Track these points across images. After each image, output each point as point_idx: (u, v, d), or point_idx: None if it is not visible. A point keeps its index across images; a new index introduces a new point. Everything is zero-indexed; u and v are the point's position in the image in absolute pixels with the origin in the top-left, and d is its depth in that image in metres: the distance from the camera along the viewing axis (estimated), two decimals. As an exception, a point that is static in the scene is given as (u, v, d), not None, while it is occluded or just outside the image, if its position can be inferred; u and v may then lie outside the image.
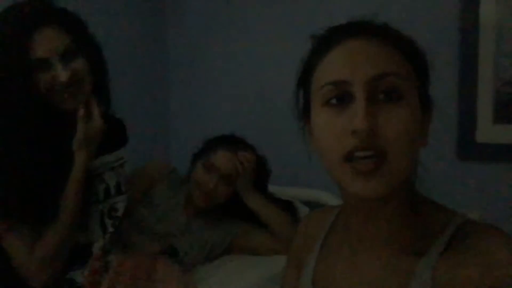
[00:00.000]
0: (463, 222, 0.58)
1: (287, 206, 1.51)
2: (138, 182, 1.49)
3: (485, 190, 1.39)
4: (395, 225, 0.60)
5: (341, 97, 0.56)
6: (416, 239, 0.59)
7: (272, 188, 1.59)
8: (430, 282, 0.54)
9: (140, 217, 1.43)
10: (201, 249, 1.38)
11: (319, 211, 0.83)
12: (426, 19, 1.46)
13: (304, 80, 0.64)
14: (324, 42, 0.61)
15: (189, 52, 2.22)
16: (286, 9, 1.84)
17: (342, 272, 0.65)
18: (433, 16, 1.46)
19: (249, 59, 1.99)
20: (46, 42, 0.97)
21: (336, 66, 0.57)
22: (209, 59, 2.14)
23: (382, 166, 0.53)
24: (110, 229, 1.16)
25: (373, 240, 0.62)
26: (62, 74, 0.98)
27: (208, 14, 2.12)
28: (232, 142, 1.47)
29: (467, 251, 0.54)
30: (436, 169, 1.41)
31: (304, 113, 0.66)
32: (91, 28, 1.10)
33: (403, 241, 0.59)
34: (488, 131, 1.38)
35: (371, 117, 0.52)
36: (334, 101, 0.56)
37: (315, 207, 1.52)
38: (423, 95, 0.59)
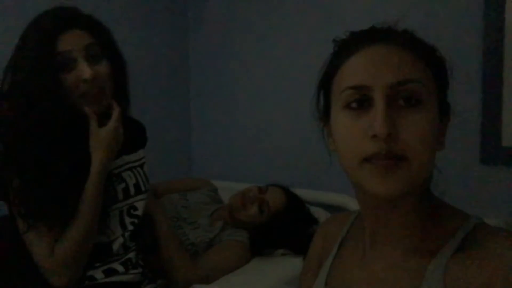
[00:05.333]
0: (477, 224, 0.58)
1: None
2: (181, 182, 1.75)
3: (510, 194, 1.36)
4: (408, 227, 0.61)
5: (361, 101, 0.57)
6: (428, 240, 0.59)
7: (299, 191, 1.60)
8: (442, 283, 0.54)
9: (169, 198, 1.56)
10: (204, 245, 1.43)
11: (337, 215, 0.85)
12: (449, 24, 1.44)
13: (325, 82, 0.65)
14: (346, 47, 0.62)
15: (209, 59, 2.24)
16: (306, 18, 1.85)
17: (355, 272, 0.66)
18: (457, 20, 1.43)
19: (269, 66, 2.00)
20: (72, 39, 1.01)
21: (357, 71, 0.58)
22: (229, 67, 2.16)
23: (402, 167, 0.54)
24: (130, 227, 1.17)
25: (386, 241, 0.63)
26: (86, 70, 1.01)
27: (228, 23, 2.14)
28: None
29: (480, 252, 0.54)
30: (460, 173, 1.39)
31: (324, 115, 0.67)
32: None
33: (416, 242, 0.60)
34: (513, 135, 1.34)
35: (390, 122, 0.53)
36: (354, 104, 0.58)
37: (338, 211, 1.52)
38: (442, 100, 0.60)
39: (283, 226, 1.48)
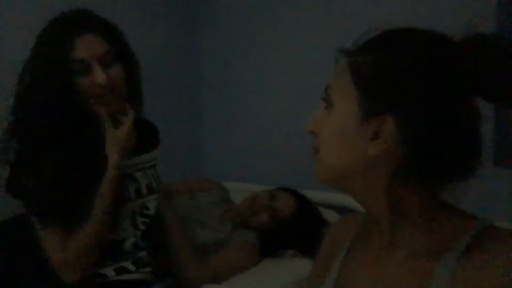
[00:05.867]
0: (485, 226, 0.58)
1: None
2: (191, 182, 1.77)
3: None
4: (412, 229, 0.62)
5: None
6: (436, 242, 0.59)
7: (308, 192, 1.59)
8: (449, 285, 0.54)
9: (179, 198, 1.57)
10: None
11: (346, 218, 0.85)
12: (462, 25, 1.42)
13: None
14: None
15: (221, 60, 2.25)
16: (319, 18, 1.84)
17: (363, 274, 0.67)
18: (469, 22, 1.42)
19: (281, 66, 2.00)
20: (87, 46, 1.03)
21: None
22: (242, 68, 2.16)
23: (318, 158, 0.66)
24: (141, 227, 1.18)
25: (392, 243, 0.64)
26: (100, 76, 1.02)
27: (241, 23, 2.15)
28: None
29: (487, 254, 0.54)
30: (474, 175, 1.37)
31: None
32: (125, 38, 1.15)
33: (422, 244, 0.61)
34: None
35: (315, 121, 0.67)
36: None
37: (348, 212, 1.51)
38: (367, 104, 0.61)
39: (293, 229, 1.48)
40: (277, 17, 1.99)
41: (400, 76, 0.58)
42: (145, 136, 1.21)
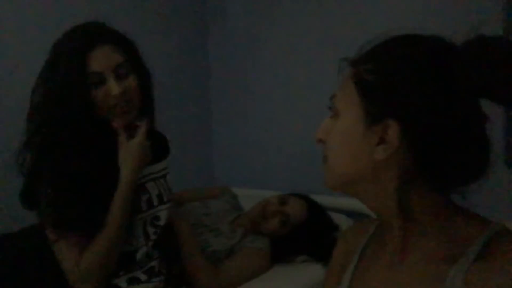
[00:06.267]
0: (498, 230, 0.58)
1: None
2: (202, 190, 1.78)
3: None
4: (425, 233, 0.62)
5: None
6: (448, 246, 0.60)
7: (318, 197, 1.59)
8: None
9: (190, 206, 1.58)
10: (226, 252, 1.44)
11: (359, 223, 0.85)
12: (469, 28, 1.42)
13: None
14: None
15: (230, 66, 2.26)
16: (330, 22, 1.85)
17: (375, 280, 0.67)
18: (476, 25, 1.41)
19: (290, 72, 2.00)
20: (102, 58, 1.05)
21: None
22: (250, 74, 2.17)
23: (326, 166, 0.68)
24: (153, 237, 1.19)
25: (404, 247, 0.64)
26: (115, 87, 1.05)
27: (249, 26, 2.16)
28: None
29: (501, 258, 0.54)
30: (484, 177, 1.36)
31: None
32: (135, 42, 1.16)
33: (435, 248, 0.61)
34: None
35: (323, 130, 0.69)
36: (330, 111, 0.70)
37: (359, 216, 1.51)
38: (371, 110, 0.62)
39: (304, 234, 1.48)
40: (287, 22, 1.99)
41: (400, 81, 0.59)
42: (155, 147, 1.22)
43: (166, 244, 1.26)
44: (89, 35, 1.06)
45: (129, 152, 1.10)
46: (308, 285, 1.31)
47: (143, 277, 1.15)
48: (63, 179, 1.03)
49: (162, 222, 1.22)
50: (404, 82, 0.59)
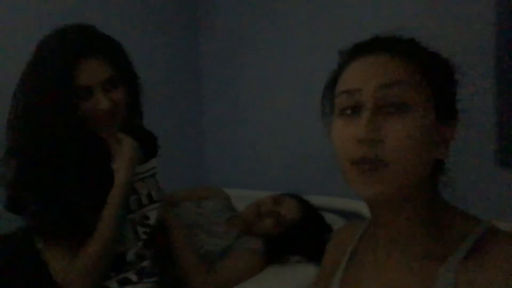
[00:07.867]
0: (488, 229, 0.59)
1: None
2: (195, 190, 1.76)
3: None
4: (415, 231, 0.62)
5: (355, 108, 0.61)
6: (439, 245, 0.60)
7: (313, 198, 1.59)
8: (453, 287, 0.55)
9: (183, 207, 1.57)
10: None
11: (349, 224, 0.87)
12: (462, 26, 1.42)
13: (329, 90, 0.70)
14: (346, 57, 0.67)
15: (222, 67, 2.26)
16: (319, 23, 1.85)
17: (367, 278, 0.68)
18: (470, 23, 1.42)
19: (282, 73, 2.00)
20: (90, 72, 1.02)
21: (350, 76, 0.63)
22: (242, 75, 2.17)
23: (383, 171, 0.57)
24: (143, 237, 1.18)
25: (394, 246, 0.64)
26: (104, 102, 1.04)
27: (239, 30, 2.16)
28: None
29: (490, 256, 0.54)
30: (476, 176, 1.37)
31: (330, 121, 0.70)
32: (123, 44, 1.14)
33: (425, 246, 0.61)
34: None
35: (374, 127, 0.57)
36: (348, 111, 0.62)
37: (352, 217, 1.51)
38: (441, 105, 0.60)
39: (298, 235, 1.48)
40: (277, 23, 1.99)
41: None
42: (144, 146, 1.21)
43: (159, 245, 1.25)
44: (78, 44, 1.02)
45: (124, 159, 1.10)
46: (302, 285, 1.30)
47: (134, 278, 1.14)
48: (49, 188, 1.01)
49: (152, 222, 1.21)
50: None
